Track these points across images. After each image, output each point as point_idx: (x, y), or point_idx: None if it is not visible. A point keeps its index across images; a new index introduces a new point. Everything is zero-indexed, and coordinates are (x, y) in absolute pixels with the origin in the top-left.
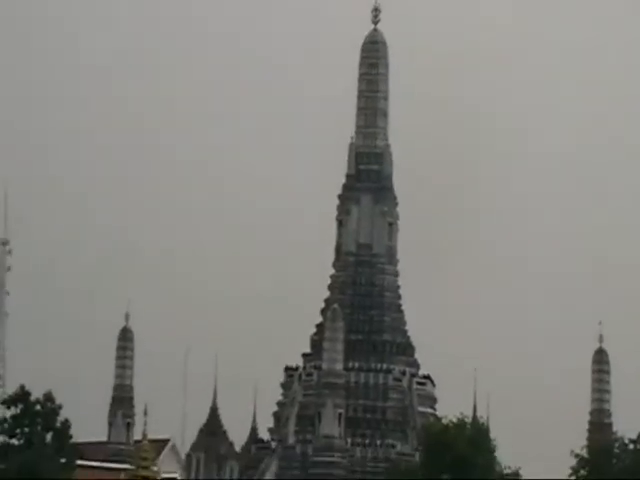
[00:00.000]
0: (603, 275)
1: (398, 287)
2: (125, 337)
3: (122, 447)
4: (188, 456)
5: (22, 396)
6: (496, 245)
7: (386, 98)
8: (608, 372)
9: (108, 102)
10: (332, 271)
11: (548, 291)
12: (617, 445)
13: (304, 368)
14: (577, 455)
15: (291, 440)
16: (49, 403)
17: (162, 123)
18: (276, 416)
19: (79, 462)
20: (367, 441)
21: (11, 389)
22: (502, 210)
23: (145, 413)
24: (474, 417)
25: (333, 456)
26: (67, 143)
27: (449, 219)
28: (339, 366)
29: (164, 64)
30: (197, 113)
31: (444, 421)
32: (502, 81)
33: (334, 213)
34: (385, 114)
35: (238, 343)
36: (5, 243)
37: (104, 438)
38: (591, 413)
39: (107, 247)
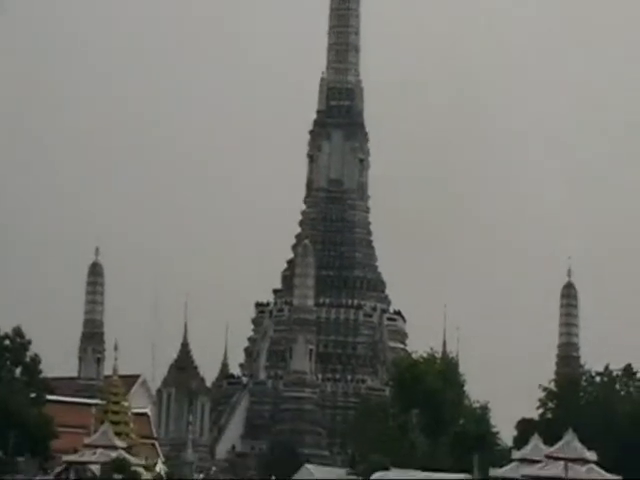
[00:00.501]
0: (574, 210)
1: (369, 223)
2: (95, 272)
3: (92, 382)
4: (159, 392)
5: None
6: (467, 179)
7: (357, 33)
8: (576, 306)
9: None
10: (303, 207)
11: (519, 224)
12: (584, 378)
13: (275, 304)
14: (545, 388)
15: (262, 375)
16: (18, 338)
17: None
18: (247, 352)
19: (49, 397)
20: (338, 376)
21: None
22: (477, 141)
23: (115, 348)
24: (444, 352)
25: (304, 391)
26: None
27: (420, 155)
28: (310, 302)
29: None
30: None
31: (414, 356)
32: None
33: (305, 149)
34: (356, 49)
35: (209, 278)
36: None
37: (74, 373)
38: (559, 347)
39: (78, 180)
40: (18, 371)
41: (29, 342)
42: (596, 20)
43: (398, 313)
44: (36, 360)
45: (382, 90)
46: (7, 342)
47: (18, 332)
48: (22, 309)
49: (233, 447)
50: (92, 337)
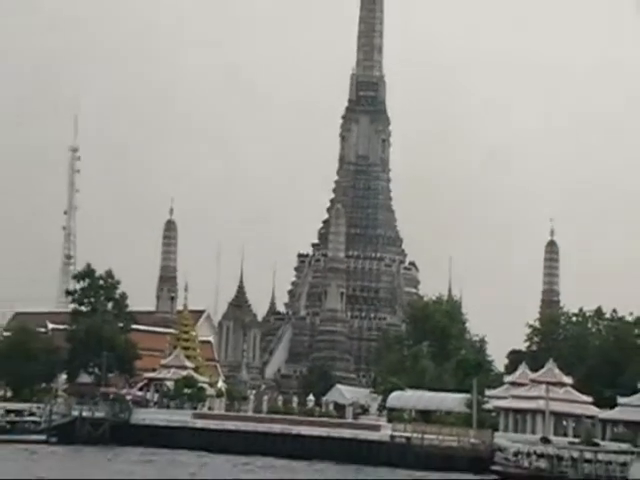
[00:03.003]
0: (557, 179)
1: (390, 191)
2: (169, 227)
3: (167, 316)
4: (220, 324)
5: (88, 272)
6: (469, 158)
7: (381, 36)
8: (557, 260)
9: None
10: (336, 177)
11: (510, 192)
12: (563, 318)
13: (313, 255)
14: (531, 326)
15: (302, 313)
16: (110, 279)
17: None
18: (290, 293)
19: (133, 326)
20: (363, 314)
21: (80, 267)
22: (487, 109)
23: (186, 289)
24: (449, 295)
25: (336, 326)
26: None
27: (433, 135)
28: (341, 254)
29: None
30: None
31: (425, 299)
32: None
33: (338, 131)
34: (380, 50)
35: (260, 235)
36: (75, 150)
37: (153, 308)
38: (543, 292)
39: (157, 151)
40: (109, 305)
41: (118, 282)
42: None
43: (412, 264)
44: (124, 297)
45: (401, 83)
46: (101, 282)
47: (110, 274)
48: (113, 256)
49: (279, 370)
50: (167, 279)
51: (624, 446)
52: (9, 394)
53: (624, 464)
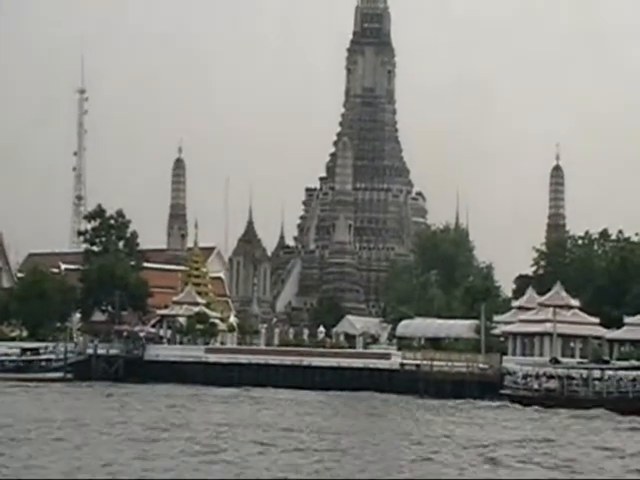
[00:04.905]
0: (562, 104)
1: (396, 122)
2: (178, 166)
3: (178, 253)
4: (230, 260)
5: (99, 213)
6: (472, 87)
7: None
8: (563, 184)
9: None
10: (342, 110)
11: (516, 115)
12: (569, 241)
13: (321, 189)
14: (538, 250)
15: (312, 246)
16: (120, 218)
17: None
18: (299, 227)
19: (145, 264)
20: (371, 245)
21: (90, 207)
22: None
23: (196, 226)
24: (456, 224)
25: (345, 258)
26: None
27: (437, 66)
28: (349, 186)
29: None
30: None
31: (433, 228)
32: None
33: (344, 63)
34: None
35: (269, 169)
36: (82, 91)
37: (164, 246)
38: (549, 217)
39: (164, 90)
40: (121, 244)
41: (129, 221)
42: None
43: (419, 194)
44: (134, 235)
45: (406, 14)
46: (112, 221)
47: (120, 214)
48: (123, 196)
49: (289, 302)
50: (177, 217)
51: (636, 362)
52: (25, 334)
53: (634, 380)
